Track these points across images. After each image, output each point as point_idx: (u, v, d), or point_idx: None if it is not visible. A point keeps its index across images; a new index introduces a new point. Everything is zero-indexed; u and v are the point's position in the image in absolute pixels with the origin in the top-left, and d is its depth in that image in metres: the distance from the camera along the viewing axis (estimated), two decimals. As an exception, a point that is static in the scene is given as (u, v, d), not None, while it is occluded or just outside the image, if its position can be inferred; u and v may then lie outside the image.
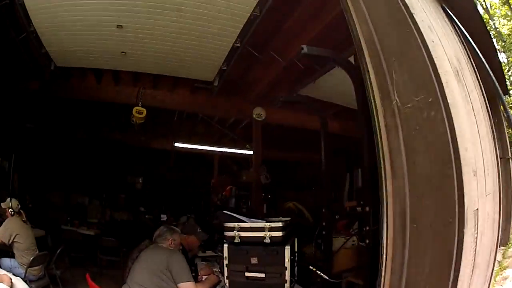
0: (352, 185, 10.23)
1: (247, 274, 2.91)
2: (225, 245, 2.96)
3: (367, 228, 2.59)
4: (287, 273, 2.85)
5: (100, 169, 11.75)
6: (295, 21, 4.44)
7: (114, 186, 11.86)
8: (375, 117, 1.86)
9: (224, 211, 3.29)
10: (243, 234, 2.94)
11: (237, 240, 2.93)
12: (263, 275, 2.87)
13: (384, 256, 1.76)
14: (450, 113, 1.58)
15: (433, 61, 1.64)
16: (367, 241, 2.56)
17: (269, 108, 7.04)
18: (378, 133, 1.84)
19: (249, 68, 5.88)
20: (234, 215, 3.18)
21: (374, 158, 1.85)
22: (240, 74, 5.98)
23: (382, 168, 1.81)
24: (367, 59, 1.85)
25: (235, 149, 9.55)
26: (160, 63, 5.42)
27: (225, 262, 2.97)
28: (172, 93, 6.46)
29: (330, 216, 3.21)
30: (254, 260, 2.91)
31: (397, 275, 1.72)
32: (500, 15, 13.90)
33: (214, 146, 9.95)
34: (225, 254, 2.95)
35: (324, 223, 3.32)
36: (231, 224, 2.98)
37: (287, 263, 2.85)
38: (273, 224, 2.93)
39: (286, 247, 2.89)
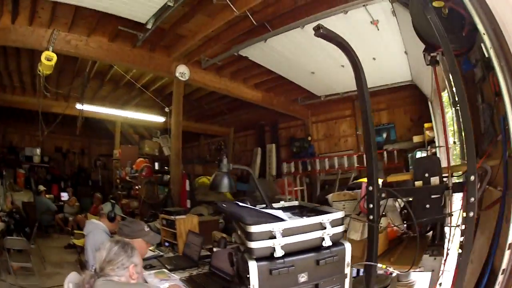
0: (265, 160, 9.72)
1: (292, 301, 1.70)
2: (254, 266, 1.60)
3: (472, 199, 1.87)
4: (347, 281, 1.82)
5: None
6: None
7: (13, 161, 9.71)
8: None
9: (237, 202, 1.95)
10: (289, 240, 1.69)
11: (278, 253, 1.65)
12: (316, 294, 1.74)
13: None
14: None
15: None
16: (471, 213, 1.86)
17: (194, 68, 6.08)
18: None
19: (192, 14, 4.66)
20: (260, 209, 1.90)
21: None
22: (178, 19, 4.85)
23: None
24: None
25: (145, 114, 8.26)
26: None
27: (254, 293, 1.66)
28: (88, 38, 5.08)
29: (380, 196, 2.23)
30: (303, 278, 1.70)
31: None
32: None
33: (121, 110, 8.32)
34: (254, 280, 1.62)
35: (371, 205, 2.29)
36: (265, 228, 1.66)
37: (347, 268, 1.80)
38: (333, 216, 1.79)
39: (346, 245, 1.82)
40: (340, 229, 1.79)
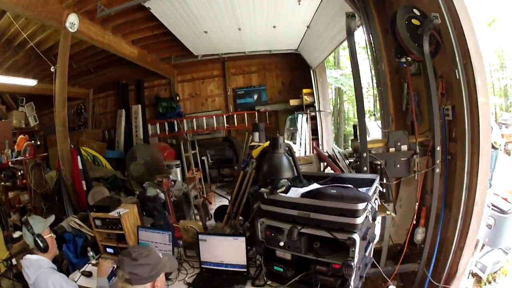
0: (130, 122, 9.21)
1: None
2: (358, 238, 2.00)
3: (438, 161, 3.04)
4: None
5: None
6: None
7: None
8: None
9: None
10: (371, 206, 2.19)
11: (371, 219, 2.18)
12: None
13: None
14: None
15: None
16: (437, 170, 3.02)
17: (83, 18, 5.23)
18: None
19: None
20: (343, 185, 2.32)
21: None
22: None
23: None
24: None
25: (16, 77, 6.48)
26: None
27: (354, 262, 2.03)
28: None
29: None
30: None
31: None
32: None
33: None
34: (357, 252, 2.02)
35: (365, 168, 3.05)
36: (363, 205, 2.04)
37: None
38: (378, 179, 2.50)
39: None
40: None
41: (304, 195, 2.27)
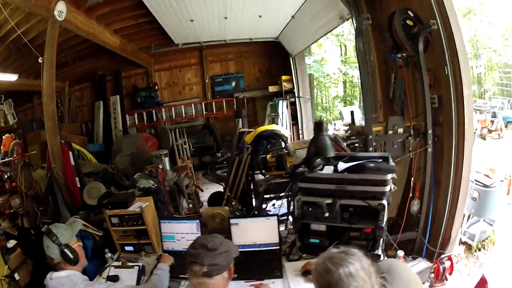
0: (108, 114, 9.06)
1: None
2: (386, 203, 2.41)
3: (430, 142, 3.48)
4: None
5: None
6: None
7: None
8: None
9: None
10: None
11: (392, 187, 2.56)
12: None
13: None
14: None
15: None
16: (430, 149, 3.48)
17: (70, 7, 5.07)
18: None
19: None
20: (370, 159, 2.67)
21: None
22: None
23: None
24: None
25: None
26: None
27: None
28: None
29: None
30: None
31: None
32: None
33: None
34: (384, 217, 2.42)
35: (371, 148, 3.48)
36: (391, 175, 2.47)
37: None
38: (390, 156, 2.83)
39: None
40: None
41: (346, 169, 2.61)
